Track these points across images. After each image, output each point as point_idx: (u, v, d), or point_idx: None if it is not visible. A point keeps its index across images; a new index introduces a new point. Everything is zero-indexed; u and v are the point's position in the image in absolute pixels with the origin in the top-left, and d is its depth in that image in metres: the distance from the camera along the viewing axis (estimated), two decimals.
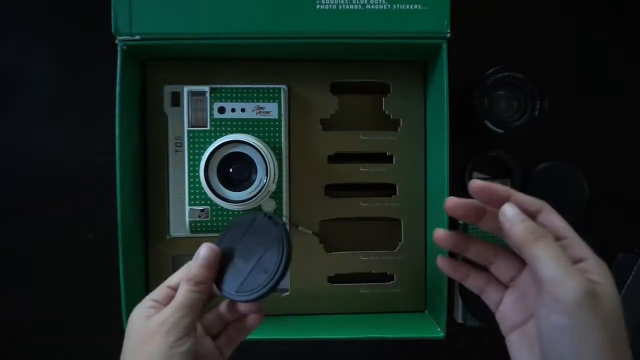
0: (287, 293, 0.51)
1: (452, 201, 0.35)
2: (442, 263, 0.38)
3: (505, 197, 0.34)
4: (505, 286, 0.36)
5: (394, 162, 0.52)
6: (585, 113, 0.57)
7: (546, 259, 0.29)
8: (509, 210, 0.32)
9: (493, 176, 0.56)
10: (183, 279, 0.36)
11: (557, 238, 0.32)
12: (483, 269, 0.37)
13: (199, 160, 0.47)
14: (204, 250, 0.37)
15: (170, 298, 0.36)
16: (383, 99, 0.52)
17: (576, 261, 0.31)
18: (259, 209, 0.48)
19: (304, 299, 0.51)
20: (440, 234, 0.36)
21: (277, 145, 0.49)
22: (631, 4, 0.57)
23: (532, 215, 0.33)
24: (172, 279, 0.38)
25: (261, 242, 0.37)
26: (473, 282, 0.37)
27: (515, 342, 0.34)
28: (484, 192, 0.34)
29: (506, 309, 0.35)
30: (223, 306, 0.39)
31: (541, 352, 0.31)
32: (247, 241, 0.38)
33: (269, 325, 0.43)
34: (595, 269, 0.30)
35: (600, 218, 0.56)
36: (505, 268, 0.36)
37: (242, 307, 0.38)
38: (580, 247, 0.32)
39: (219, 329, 0.39)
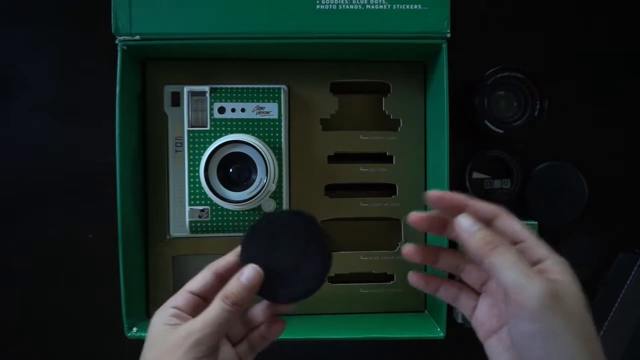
0: None
1: (414, 216, 0.34)
2: (413, 279, 0.37)
3: (461, 205, 0.33)
4: (478, 293, 0.36)
5: (394, 162, 0.52)
6: (585, 113, 0.57)
7: (505, 267, 0.29)
8: (463, 222, 0.32)
9: (493, 176, 0.56)
10: (220, 295, 0.34)
11: (515, 242, 0.32)
12: (455, 278, 0.37)
13: (199, 160, 0.47)
14: (249, 272, 0.35)
15: (193, 305, 0.35)
16: (383, 99, 0.52)
17: (535, 263, 0.31)
18: (259, 209, 0.48)
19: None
20: (408, 249, 0.35)
21: (277, 145, 0.49)
22: (631, 3, 0.57)
23: (488, 221, 0.33)
24: (194, 284, 0.36)
25: (296, 241, 0.36)
26: (444, 292, 0.37)
27: (493, 348, 0.33)
28: (440, 201, 0.34)
29: (482, 315, 0.35)
30: (253, 311, 0.38)
31: (518, 358, 0.31)
32: (280, 240, 0.36)
33: None
34: (555, 267, 0.31)
35: (600, 218, 0.56)
36: (475, 274, 0.35)
37: (282, 309, 0.37)
38: (538, 248, 0.31)
39: (241, 336, 0.38)
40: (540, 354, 0.28)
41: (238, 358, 0.37)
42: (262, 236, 0.36)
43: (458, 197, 0.34)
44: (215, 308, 0.33)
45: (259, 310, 0.38)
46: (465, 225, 0.32)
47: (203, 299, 0.35)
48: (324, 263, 0.35)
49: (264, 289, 0.35)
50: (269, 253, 0.35)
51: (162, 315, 0.34)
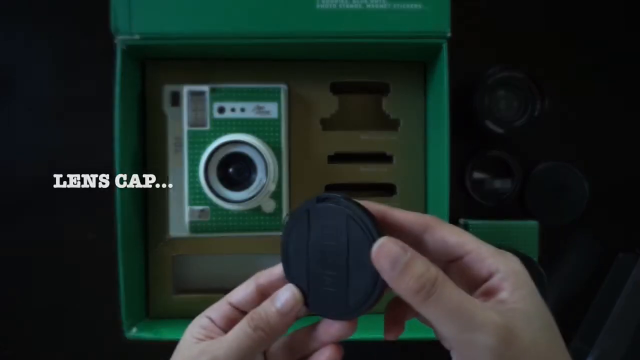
0: None
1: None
2: (391, 337, 0.31)
3: (380, 216, 0.28)
4: None
5: (394, 162, 0.52)
6: (586, 113, 0.57)
7: (444, 323, 0.24)
8: (380, 259, 0.25)
9: (493, 176, 0.56)
10: (249, 315, 0.29)
11: (454, 258, 0.27)
12: None
13: (199, 160, 0.47)
14: (285, 296, 0.29)
15: (229, 319, 0.30)
16: (383, 99, 0.52)
17: (483, 280, 0.26)
18: (259, 209, 0.48)
19: None
20: (390, 336, 0.31)
21: (277, 145, 0.48)
22: (631, 3, 0.57)
23: (417, 236, 0.28)
24: (235, 295, 0.31)
25: (345, 250, 0.28)
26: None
27: None
28: None
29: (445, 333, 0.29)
30: (299, 334, 0.31)
31: None
32: (324, 242, 0.29)
33: None
34: (505, 283, 0.26)
35: (600, 218, 0.56)
36: None
37: (342, 330, 0.29)
38: (484, 260, 0.26)
39: None
40: None
41: None
42: (302, 239, 0.29)
43: (375, 207, 0.28)
44: (237, 330, 0.29)
45: (304, 334, 0.31)
46: (384, 265, 0.25)
47: (242, 313, 0.31)
48: (372, 273, 0.27)
49: (314, 304, 0.29)
50: (313, 261, 0.29)
51: (194, 326, 0.30)
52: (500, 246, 0.53)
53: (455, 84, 0.45)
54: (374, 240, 0.26)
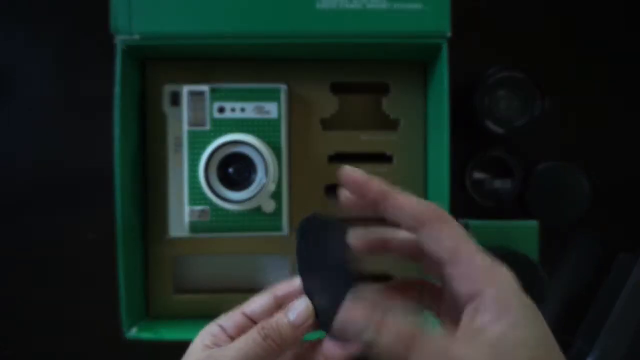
0: None
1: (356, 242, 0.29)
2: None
3: (378, 198, 0.27)
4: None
5: (394, 162, 0.52)
6: (586, 113, 0.57)
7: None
8: (350, 329, 0.25)
9: (493, 176, 0.56)
10: (260, 323, 0.28)
11: (447, 262, 0.25)
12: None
13: (199, 160, 0.47)
14: (300, 308, 0.28)
15: (240, 330, 0.30)
16: (383, 99, 0.52)
17: (467, 299, 0.24)
18: (259, 209, 0.48)
19: None
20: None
21: (277, 145, 0.48)
22: (631, 3, 0.57)
23: (415, 229, 0.26)
24: (250, 305, 0.30)
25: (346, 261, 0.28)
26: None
27: None
28: (355, 185, 0.28)
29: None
30: (306, 346, 0.30)
31: None
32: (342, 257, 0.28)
33: None
34: (492, 306, 0.23)
35: (600, 218, 0.56)
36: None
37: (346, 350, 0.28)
38: (472, 276, 0.24)
39: None
40: None
41: None
42: (315, 253, 0.29)
43: (377, 185, 0.27)
44: (247, 337, 0.28)
45: (311, 347, 0.30)
46: (352, 333, 0.25)
47: (255, 324, 0.30)
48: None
49: (322, 321, 0.28)
50: (323, 276, 0.28)
51: (204, 333, 0.30)
52: (500, 246, 0.53)
53: (455, 84, 0.45)
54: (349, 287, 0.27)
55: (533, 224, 0.52)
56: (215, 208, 0.48)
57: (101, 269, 0.52)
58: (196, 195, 0.48)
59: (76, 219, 0.55)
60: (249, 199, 0.46)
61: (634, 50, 0.57)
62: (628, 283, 0.53)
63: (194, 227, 0.48)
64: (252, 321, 0.30)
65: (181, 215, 0.49)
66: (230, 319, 0.30)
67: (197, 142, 0.48)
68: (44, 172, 0.55)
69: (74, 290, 0.55)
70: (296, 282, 0.30)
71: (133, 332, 0.45)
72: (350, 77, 0.52)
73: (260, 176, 0.46)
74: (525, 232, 0.52)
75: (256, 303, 0.30)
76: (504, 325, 0.23)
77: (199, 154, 0.47)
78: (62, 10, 0.55)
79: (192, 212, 0.48)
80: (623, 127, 0.57)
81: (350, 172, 0.27)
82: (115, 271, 0.45)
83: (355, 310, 0.25)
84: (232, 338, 0.30)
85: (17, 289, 0.56)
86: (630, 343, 0.52)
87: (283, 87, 0.49)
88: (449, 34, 0.45)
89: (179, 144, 0.50)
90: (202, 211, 0.48)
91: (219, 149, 0.46)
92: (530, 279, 0.49)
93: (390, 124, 0.52)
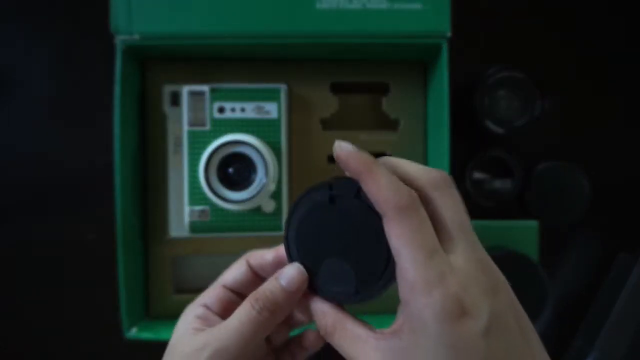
0: None
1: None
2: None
3: (356, 177, 0.24)
4: None
5: None
6: (586, 113, 0.57)
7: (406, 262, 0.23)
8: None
9: (493, 176, 0.56)
10: (250, 297, 0.27)
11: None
12: None
13: (199, 160, 0.47)
14: (291, 273, 0.26)
15: (224, 303, 0.29)
16: (383, 99, 0.52)
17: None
18: (259, 209, 0.48)
19: None
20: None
21: (277, 145, 0.48)
22: (631, 3, 0.57)
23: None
24: (228, 277, 0.29)
25: (356, 230, 0.26)
26: None
27: None
28: (339, 161, 0.25)
29: None
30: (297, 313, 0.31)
31: None
32: (332, 225, 0.27)
33: None
34: (406, 322, 0.23)
35: (600, 218, 0.56)
36: None
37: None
38: (402, 285, 0.23)
39: (285, 339, 0.32)
40: None
41: None
42: (308, 223, 0.27)
43: (354, 165, 0.24)
44: (241, 313, 0.27)
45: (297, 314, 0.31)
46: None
47: (239, 296, 0.30)
48: (385, 261, 0.25)
49: (319, 287, 0.27)
50: (317, 243, 0.27)
51: (188, 317, 0.28)
52: (500, 246, 0.53)
53: (455, 84, 0.45)
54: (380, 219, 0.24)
55: (533, 224, 0.52)
56: (215, 208, 0.48)
57: (101, 269, 0.52)
58: (196, 195, 0.48)
59: (76, 219, 0.55)
60: (249, 199, 0.46)
61: (634, 50, 0.57)
62: (628, 283, 0.53)
63: (194, 227, 0.48)
64: (234, 292, 0.30)
65: (181, 215, 0.49)
66: (212, 296, 0.29)
67: (197, 142, 0.48)
68: (43, 172, 0.55)
69: (74, 290, 0.55)
70: (269, 255, 0.30)
71: (133, 332, 0.45)
72: (350, 77, 0.52)
73: (260, 176, 0.46)
74: (525, 232, 0.52)
75: (234, 274, 0.30)
76: (404, 339, 0.22)
77: (199, 154, 0.47)
78: (62, 10, 0.55)
79: (192, 212, 0.48)
80: (623, 127, 0.57)
81: (337, 148, 0.25)
82: (115, 271, 0.45)
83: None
84: (220, 315, 0.29)
85: (17, 289, 0.56)
86: (630, 343, 0.52)
87: (283, 87, 0.49)
88: (449, 34, 0.45)
89: (179, 144, 0.50)
90: (202, 211, 0.48)
91: (219, 149, 0.46)
92: (530, 279, 0.49)
93: (390, 124, 0.52)
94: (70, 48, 0.55)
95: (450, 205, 0.24)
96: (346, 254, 0.26)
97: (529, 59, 0.55)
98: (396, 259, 0.23)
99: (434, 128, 0.49)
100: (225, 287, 0.29)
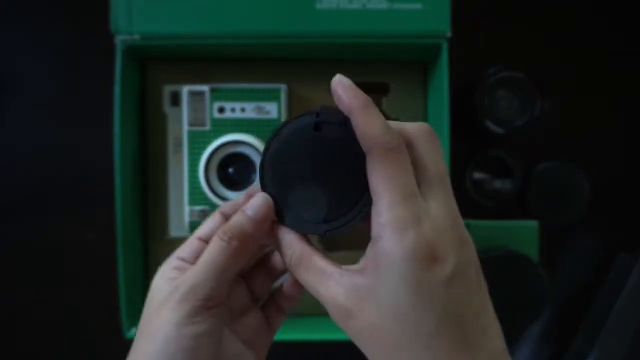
0: None
1: None
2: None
3: (347, 114, 0.25)
4: None
5: None
6: (586, 113, 0.57)
7: (310, 290, 0.26)
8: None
9: (494, 176, 0.56)
10: (219, 231, 0.26)
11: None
12: None
13: (199, 160, 0.47)
14: (256, 201, 0.26)
15: (200, 254, 0.28)
16: (383, 99, 0.52)
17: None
18: None
19: (304, 300, 0.51)
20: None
21: None
22: (631, 4, 0.57)
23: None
24: (202, 229, 0.29)
25: (336, 159, 0.26)
26: None
27: None
28: (335, 95, 0.26)
29: None
30: (275, 257, 0.31)
31: None
32: (311, 151, 0.26)
33: None
34: (376, 256, 0.23)
35: (600, 218, 0.56)
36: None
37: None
38: (378, 218, 0.23)
39: (267, 291, 0.31)
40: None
41: (265, 320, 0.30)
42: (287, 148, 0.27)
43: (347, 102, 0.25)
44: (210, 247, 0.26)
45: (275, 260, 0.30)
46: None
47: None
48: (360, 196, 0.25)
49: (288, 218, 0.27)
50: (293, 169, 0.26)
51: (164, 269, 0.28)
52: (500, 246, 0.53)
53: (455, 84, 0.45)
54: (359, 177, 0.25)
55: (533, 224, 0.52)
56: (215, 208, 0.48)
57: (101, 269, 0.52)
58: (196, 195, 0.48)
59: (76, 219, 0.55)
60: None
61: (634, 50, 0.57)
62: (628, 283, 0.53)
63: (194, 227, 0.48)
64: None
65: (181, 215, 0.49)
66: (187, 249, 0.29)
67: (197, 142, 0.48)
68: (44, 172, 0.55)
69: (74, 290, 0.55)
70: (241, 198, 0.29)
71: (133, 332, 0.45)
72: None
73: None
74: (525, 232, 0.52)
75: (208, 226, 0.29)
76: (383, 275, 0.22)
77: (199, 154, 0.47)
78: (62, 10, 0.55)
79: (192, 212, 0.48)
80: (623, 127, 0.57)
81: (336, 80, 0.26)
82: (115, 271, 0.45)
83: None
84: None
85: (16, 289, 0.56)
86: (630, 343, 0.52)
87: (283, 87, 0.49)
88: (449, 34, 0.45)
89: (179, 144, 0.50)
90: (202, 211, 0.48)
91: (219, 149, 0.46)
92: (530, 279, 0.49)
93: None
94: (70, 48, 0.55)
95: (433, 154, 0.25)
96: (320, 181, 0.26)
97: (529, 59, 0.55)
98: (374, 197, 0.23)
99: (434, 128, 0.49)
100: (200, 239, 0.29)
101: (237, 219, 0.27)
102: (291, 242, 0.26)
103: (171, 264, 0.28)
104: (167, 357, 0.24)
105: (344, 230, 0.26)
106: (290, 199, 0.27)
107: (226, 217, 0.29)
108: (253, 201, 0.27)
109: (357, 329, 0.23)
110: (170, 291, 0.25)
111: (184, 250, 0.29)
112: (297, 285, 0.30)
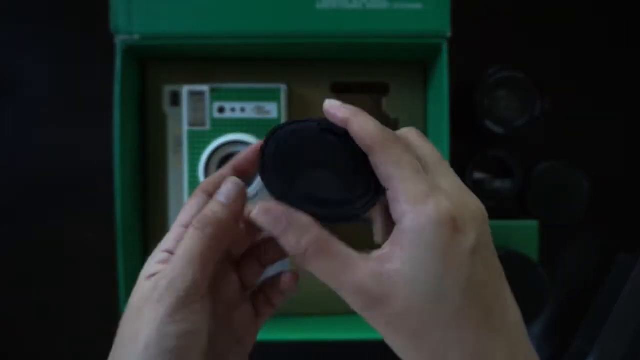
0: None
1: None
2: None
3: (345, 125, 0.26)
4: None
5: None
6: (586, 113, 0.57)
7: (327, 282, 0.24)
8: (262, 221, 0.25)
9: (494, 176, 0.56)
10: (193, 221, 0.25)
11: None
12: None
13: (199, 160, 0.47)
14: (226, 186, 0.26)
15: None
16: (383, 99, 0.52)
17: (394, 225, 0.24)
18: None
19: (304, 300, 0.51)
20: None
21: None
22: (631, 4, 0.57)
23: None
24: (188, 214, 0.27)
25: (339, 157, 0.26)
26: None
27: None
28: (329, 117, 0.27)
29: None
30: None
31: None
32: (317, 145, 0.27)
33: (267, 327, 0.43)
34: (402, 237, 0.23)
35: (600, 218, 0.56)
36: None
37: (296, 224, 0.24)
38: (398, 204, 0.23)
39: (257, 280, 0.30)
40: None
41: (255, 313, 0.29)
42: (292, 138, 0.27)
43: (341, 115, 0.26)
44: (185, 239, 0.24)
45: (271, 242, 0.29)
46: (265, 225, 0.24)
47: None
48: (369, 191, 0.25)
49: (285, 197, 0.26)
50: (299, 156, 0.26)
51: (149, 264, 0.26)
52: (500, 246, 0.53)
53: (455, 84, 0.45)
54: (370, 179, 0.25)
55: (533, 224, 0.52)
56: None
57: (101, 269, 0.52)
58: None
59: (76, 219, 0.55)
60: (249, 199, 0.46)
61: (634, 50, 0.57)
62: (628, 283, 0.53)
63: None
64: None
65: None
66: (172, 239, 0.26)
67: (197, 142, 0.48)
68: (44, 172, 0.55)
69: (74, 290, 0.55)
70: (224, 170, 0.28)
71: None
72: (350, 77, 0.52)
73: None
74: (525, 232, 0.52)
75: (189, 211, 0.27)
76: (411, 255, 0.22)
77: (199, 154, 0.47)
78: (62, 10, 0.55)
79: None
80: (623, 127, 0.57)
81: (326, 104, 0.27)
82: (115, 271, 0.45)
83: (269, 210, 0.24)
84: None
85: (16, 288, 0.56)
86: (630, 343, 0.52)
87: (283, 87, 0.49)
88: (449, 34, 0.45)
89: (179, 144, 0.50)
90: None
91: (218, 149, 0.46)
92: (530, 279, 0.49)
93: (390, 124, 0.52)
94: (70, 48, 0.55)
95: (425, 147, 0.26)
96: (326, 170, 0.26)
97: (529, 59, 0.55)
98: (387, 183, 0.24)
99: (434, 128, 0.49)
100: (185, 226, 0.26)
101: (209, 208, 0.26)
102: (308, 225, 0.24)
103: (156, 258, 0.26)
104: None
105: (350, 219, 0.26)
106: (296, 183, 0.26)
107: (210, 195, 0.27)
108: (223, 187, 0.26)
109: (388, 315, 0.22)
110: (150, 288, 0.24)
111: (168, 240, 0.26)
112: (297, 278, 0.29)
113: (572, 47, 0.57)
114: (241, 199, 0.26)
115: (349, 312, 0.53)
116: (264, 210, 0.24)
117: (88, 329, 0.56)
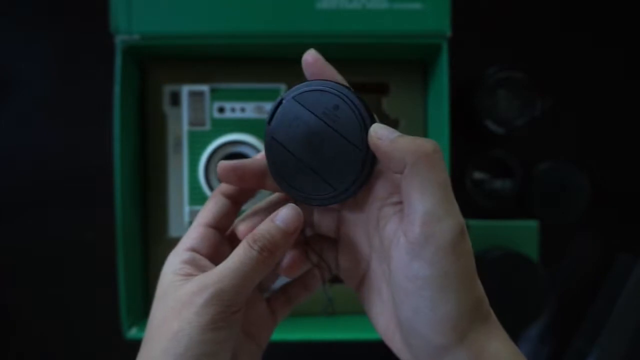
0: None
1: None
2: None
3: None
4: (333, 239, 0.30)
5: None
6: (586, 113, 0.57)
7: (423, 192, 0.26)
8: (380, 130, 0.28)
9: (494, 176, 0.56)
10: (247, 237, 0.26)
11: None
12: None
13: (199, 160, 0.47)
14: (286, 213, 0.26)
15: (213, 243, 0.27)
16: (383, 99, 0.52)
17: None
18: None
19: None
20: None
21: None
22: (631, 4, 0.57)
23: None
24: (207, 214, 0.28)
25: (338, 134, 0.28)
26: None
27: (365, 297, 0.29)
28: (307, 68, 0.31)
29: (346, 266, 0.30)
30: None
31: (393, 303, 0.26)
32: (306, 128, 0.28)
33: None
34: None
35: (600, 218, 0.56)
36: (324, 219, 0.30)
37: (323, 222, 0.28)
38: (413, 223, 0.25)
39: (271, 285, 0.31)
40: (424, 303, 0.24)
41: (272, 315, 0.30)
42: (284, 126, 0.28)
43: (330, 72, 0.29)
44: (239, 253, 0.25)
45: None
46: (382, 132, 0.28)
47: (220, 231, 0.28)
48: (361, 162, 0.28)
49: (297, 191, 0.27)
50: (295, 148, 0.27)
51: (174, 262, 0.27)
52: (500, 246, 0.53)
53: (455, 84, 0.45)
54: (365, 123, 0.29)
55: (533, 224, 0.52)
56: None
57: (101, 269, 0.52)
58: (196, 195, 0.48)
59: (76, 219, 0.55)
60: None
61: (634, 50, 0.57)
62: (628, 283, 0.53)
63: None
64: (216, 230, 0.28)
65: (181, 215, 0.49)
66: (196, 238, 0.27)
67: (197, 142, 0.48)
68: (43, 172, 0.55)
69: (74, 290, 0.55)
70: (255, 162, 0.29)
71: (133, 332, 0.45)
72: (350, 77, 0.52)
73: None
74: (525, 232, 0.52)
75: (210, 211, 0.28)
76: (419, 250, 0.24)
77: (199, 154, 0.47)
78: (62, 10, 0.55)
79: (192, 212, 0.48)
80: (623, 127, 0.57)
81: (306, 55, 0.29)
82: (115, 271, 0.45)
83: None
84: (209, 257, 0.27)
85: (17, 288, 0.56)
86: (630, 343, 0.52)
87: (283, 87, 0.49)
88: (449, 34, 0.45)
89: (179, 144, 0.50)
90: None
91: (219, 149, 0.46)
92: (530, 279, 0.49)
93: (390, 124, 0.52)
94: (70, 48, 0.55)
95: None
96: (322, 156, 0.27)
97: (529, 59, 0.55)
98: (415, 199, 0.25)
99: (434, 128, 0.49)
100: (208, 226, 0.27)
101: (267, 229, 0.26)
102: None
103: (182, 257, 0.27)
104: None
105: (348, 196, 0.27)
106: (299, 174, 0.27)
107: (230, 199, 0.29)
108: (283, 212, 0.26)
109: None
110: (193, 292, 0.24)
111: (193, 239, 0.27)
112: (319, 281, 0.31)
113: (572, 47, 0.57)
114: (298, 228, 0.26)
115: (350, 312, 0.53)
116: None
117: (88, 329, 0.56)
